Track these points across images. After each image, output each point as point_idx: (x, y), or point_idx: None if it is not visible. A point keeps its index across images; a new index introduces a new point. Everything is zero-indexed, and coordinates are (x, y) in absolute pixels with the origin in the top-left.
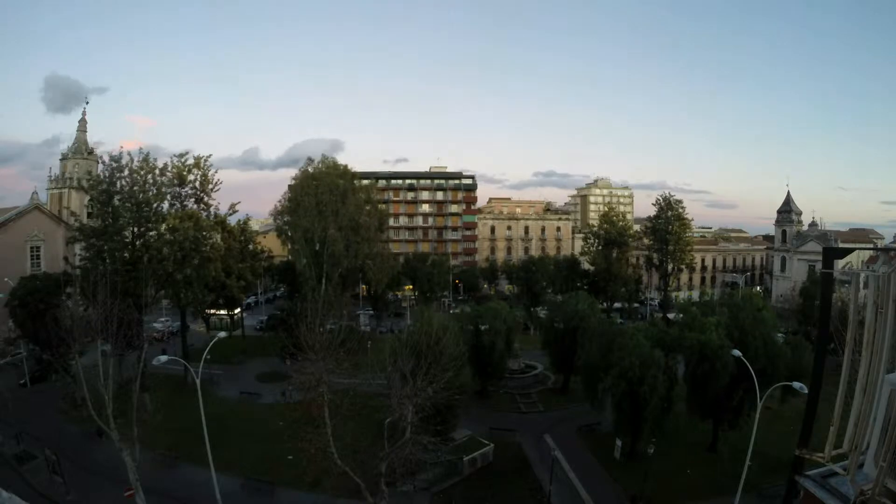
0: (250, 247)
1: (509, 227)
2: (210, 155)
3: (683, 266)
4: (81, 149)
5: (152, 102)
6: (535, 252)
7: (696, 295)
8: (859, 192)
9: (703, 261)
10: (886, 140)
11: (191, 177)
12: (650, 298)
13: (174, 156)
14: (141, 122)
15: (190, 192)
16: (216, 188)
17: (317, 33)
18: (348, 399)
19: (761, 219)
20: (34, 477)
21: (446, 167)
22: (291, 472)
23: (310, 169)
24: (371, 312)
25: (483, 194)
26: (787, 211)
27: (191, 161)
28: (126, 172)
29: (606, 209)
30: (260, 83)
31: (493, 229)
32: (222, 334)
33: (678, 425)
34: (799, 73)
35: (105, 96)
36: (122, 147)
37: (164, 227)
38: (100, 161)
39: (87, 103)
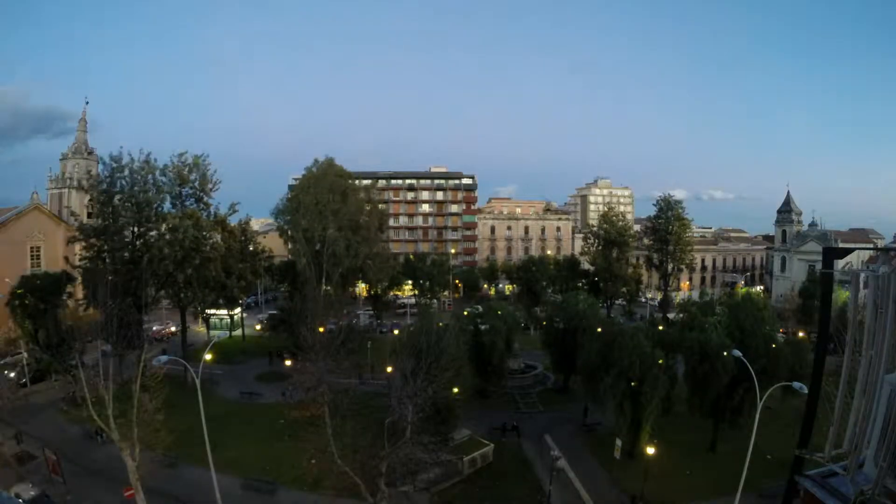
0: (250, 247)
1: (509, 227)
2: (207, 154)
3: (683, 266)
4: (81, 149)
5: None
6: (535, 252)
7: (695, 295)
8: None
9: (703, 261)
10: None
11: (191, 176)
12: (650, 298)
13: (174, 155)
14: None
15: (190, 191)
16: (216, 188)
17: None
18: (348, 399)
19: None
20: (34, 477)
21: (446, 167)
22: (292, 472)
23: (314, 169)
24: (371, 312)
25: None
26: (787, 211)
27: (189, 160)
28: (126, 172)
29: (606, 209)
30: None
31: (493, 229)
32: (222, 334)
33: (678, 425)
34: (799, 72)
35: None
36: (121, 147)
37: (164, 226)
38: (100, 161)
39: (87, 103)
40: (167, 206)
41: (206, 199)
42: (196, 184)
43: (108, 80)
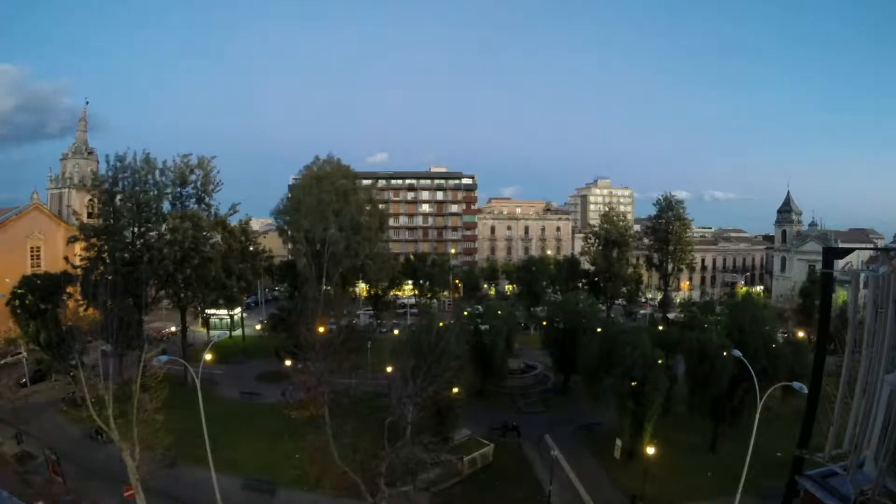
0: (251, 248)
1: (509, 227)
2: (213, 157)
3: (683, 266)
4: (81, 148)
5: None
6: (535, 252)
7: (695, 295)
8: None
9: (703, 261)
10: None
11: (192, 177)
12: (650, 298)
13: (178, 155)
14: None
15: (191, 191)
16: (217, 188)
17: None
18: (348, 399)
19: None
20: (34, 477)
21: (446, 167)
22: (292, 472)
23: (314, 168)
24: (371, 312)
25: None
26: (787, 211)
27: (194, 161)
28: (128, 172)
29: (607, 209)
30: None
31: (493, 229)
32: (222, 334)
33: (678, 425)
34: (800, 71)
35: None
36: (128, 148)
37: (164, 226)
38: (105, 160)
39: (87, 103)
40: (167, 206)
41: (207, 199)
42: (199, 184)
43: (107, 80)
